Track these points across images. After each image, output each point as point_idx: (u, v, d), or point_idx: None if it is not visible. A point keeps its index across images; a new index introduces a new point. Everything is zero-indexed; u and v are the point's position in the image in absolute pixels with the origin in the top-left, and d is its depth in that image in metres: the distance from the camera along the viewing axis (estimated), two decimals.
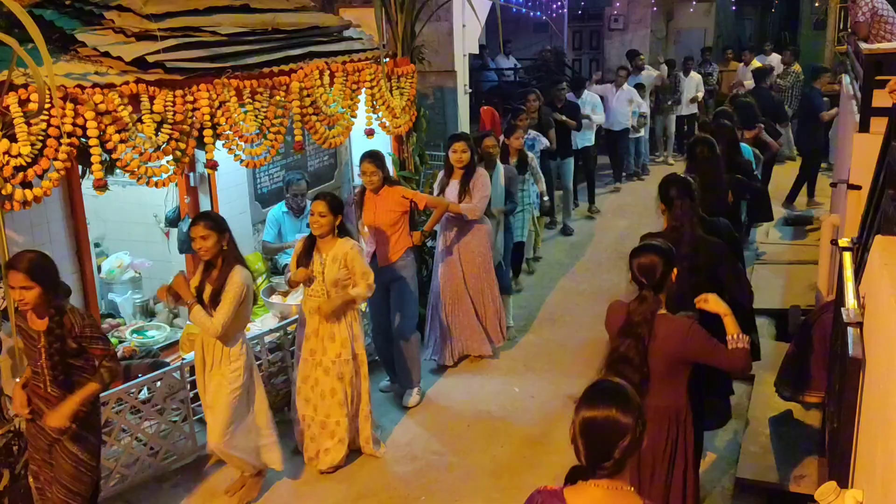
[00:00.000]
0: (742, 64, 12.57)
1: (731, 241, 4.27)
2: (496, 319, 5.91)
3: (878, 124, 4.30)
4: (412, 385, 5.35)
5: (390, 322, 5.26)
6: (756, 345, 4.29)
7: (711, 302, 3.16)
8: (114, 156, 3.71)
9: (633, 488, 2.07)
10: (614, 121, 10.36)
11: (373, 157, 5.07)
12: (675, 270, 3.13)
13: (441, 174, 5.77)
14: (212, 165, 4.27)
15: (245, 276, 3.94)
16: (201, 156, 4.34)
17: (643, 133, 11.18)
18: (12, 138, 3.35)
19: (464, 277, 5.74)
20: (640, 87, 10.93)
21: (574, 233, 8.86)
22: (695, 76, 11.97)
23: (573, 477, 2.09)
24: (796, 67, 12.24)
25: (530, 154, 7.05)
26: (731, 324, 3.08)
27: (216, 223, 3.92)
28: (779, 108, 9.83)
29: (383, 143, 6.00)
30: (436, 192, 5.65)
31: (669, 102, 11.91)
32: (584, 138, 9.35)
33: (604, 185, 10.74)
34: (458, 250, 5.72)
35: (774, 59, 13.05)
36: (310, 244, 4.43)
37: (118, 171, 3.87)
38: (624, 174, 11.16)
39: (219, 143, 4.27)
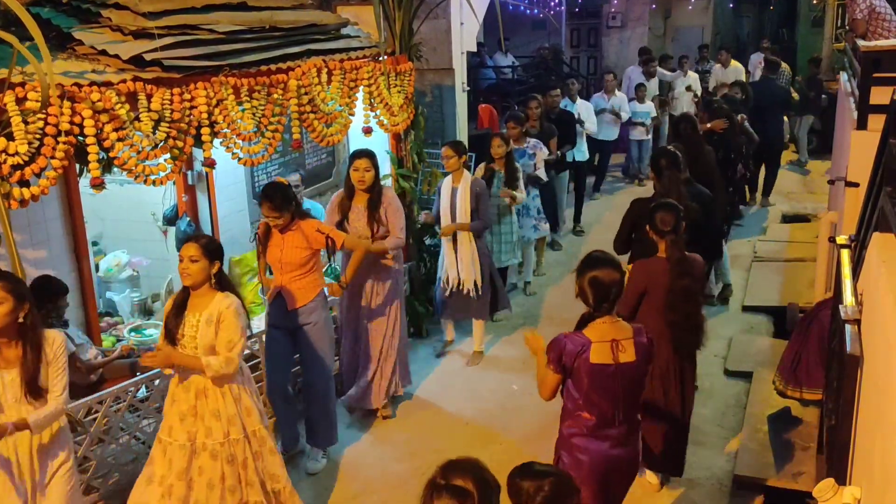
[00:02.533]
0: (719, 65, 12.07)
1: (707, 209, 5.01)
2: (388, 377, 5.08)
3: (876, 121, 4.30)
4: (321, 445, 4.63)
5: (287, 379, 4.58)
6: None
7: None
8: (111, 154, 3.71)
9: (621, 319, 3.09)
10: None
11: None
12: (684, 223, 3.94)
13: (338, 194, 5.08)
14: (209, 164, 4.27)
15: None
16: (199, 154, 4.33)
17: (649, 136, 10.75)
18: (9, 137, 3.34)
19: (367, 320, 5.03)
20: (641, 87, 10.65)
21: (562, 248, 8.30)
22: (691, 75, 11.74)
23: (582, 323, 3.06)
24: (784, 67, 12.26)
25: (517, 165, 6.40)
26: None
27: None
28: (788, 99, 9.73)
29: (381, 141, 5.99)
30: (334, 218, 4.95)
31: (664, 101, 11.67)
32: (580, 152, 8.68)
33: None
34: (364, 286, 4.98)
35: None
36: (182, 298, 3.57)
37: (116, 169, 3.86)
38: (626, 178, 11.02)
39: (216, 142, 4.26)
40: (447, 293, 5.76)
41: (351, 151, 5.00)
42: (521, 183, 6.28)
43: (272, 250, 4.42)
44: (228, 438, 3.59)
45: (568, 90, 8.81)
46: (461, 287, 5.66)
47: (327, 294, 4.66)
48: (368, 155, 4.85)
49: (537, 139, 7.09)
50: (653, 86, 11.17)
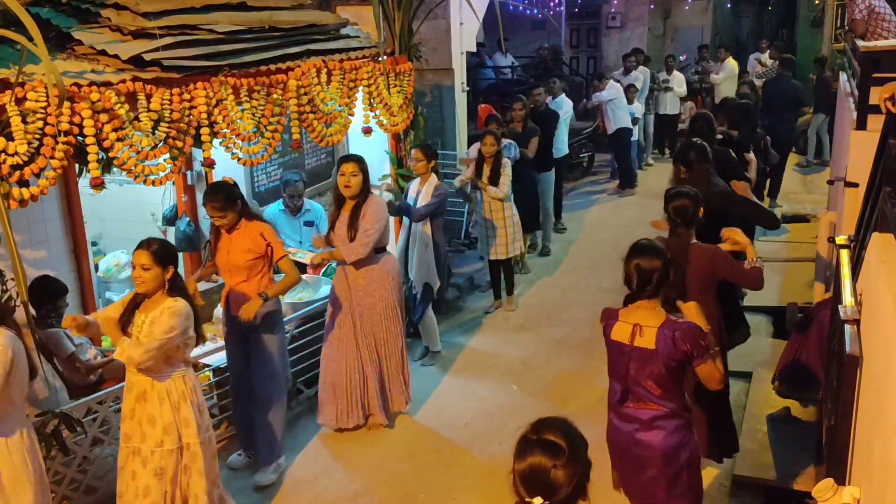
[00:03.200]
0: (718, 63, 12.06)
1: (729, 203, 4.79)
2: (400, 378, 4.98)
3: (876, 122, 4.30)
4: (269, 460, 4.45)
5: (244, 384, 4.45)
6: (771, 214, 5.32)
7: (736, 234, 3.89)
8: (111, 154, 3.70)
9: (660, 307, 3.16)
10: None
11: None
12: (701, 209, 3.90)
13: (330, 208, 4.94)
14: (209, 164, 4.27)
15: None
16: (198, 154, 4.33)
17: (635, 136, 10.60)
18: (9, 137, 3.34)
19: (356, 332, 4.79)
20: (632, 87, 10.56)
21: (550, 253, 8.12)
22: (677, 75, 11.69)
23: (625, 302, 3.21)
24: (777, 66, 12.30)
25: (505, 159, 6.49)
26: (750, 251, 3.88)
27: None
28: (800, 97, 9.55)
29: (381, 142, 6.00)
30: (328, 233, 4.83)
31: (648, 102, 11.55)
32: (561, 147, 8.65)
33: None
34: (350, 296, 4.76)
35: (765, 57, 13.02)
36: (135, 301, 3.54)
37: (115, 169, 3.86)
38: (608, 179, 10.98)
39: (216, 142, 4.26)
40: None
41: (343, 154, 4.91)
42: (508, 180, 6.39)
43: (220, 252, 4.29)
44: (161, 448, 3.48)
45: (551, 90, 8.82)
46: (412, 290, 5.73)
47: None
48: (356, 160, 4.64)
49: (517, 139, 7.23)
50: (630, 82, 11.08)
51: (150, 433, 3.48)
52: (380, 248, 4.75)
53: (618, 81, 10.46)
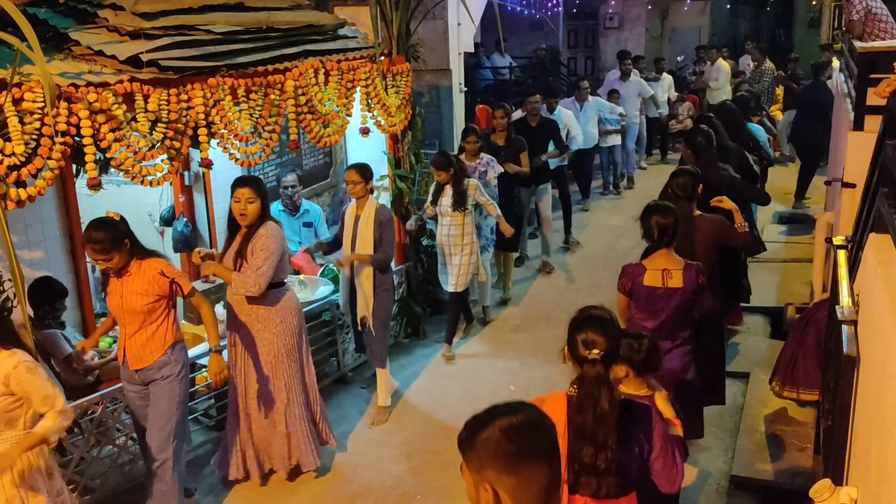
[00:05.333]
0: (709, 64, 11.82)
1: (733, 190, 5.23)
2: (316, 419, 4.45)
3: (873, 122, 4.31)
4: None
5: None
6: (757, 237, 6.10)
7: (725, 201, 4.55)
8: (108, 155, 3.70)
9: (675, 254, 3.83)
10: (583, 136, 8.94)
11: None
12: (700, 186, 4.50)
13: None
14: (206, 164, 4.27)
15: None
16: (196, 155, 4.32)
17: (619, 141, 10.11)
18: (6, 137, 3.34)
19: (252, 376, 4.26)
20: (615, 93, 10.13)
21: (554, 270, 7.63)
22: (667, 77, 11.50)
23: (645, 255, 3.90)
24: (769, 65, 12.31)
25: (472, 181, 5.80)
26: (738, 217, 4.49)
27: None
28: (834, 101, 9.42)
29: (379, 142, 5.99)
30: (219, 260, 4.30)
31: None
32: (555, 159, 7.99)
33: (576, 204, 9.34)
34: (240, 341, 4.26)
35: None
36: None
37: (112, 170, 3.86)
38: (600, 190, 10.40)
39: (213, 142, 4.26)
40: (354, 329, 5.29)
41: (235, 178, 4.25)
42: (482, 198, 5.79)
43: (111, 298, 3.75)
44: None
45: (551, 106, 8.10)
46: (360, 325, 5.12)
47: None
48: (253, 184, 4.11)
49: (498, 153, 6.48)
50: (632, 89, 10.69)
51: None
52: (276, 283, 4.18)
53: (611, 92, 10.08)
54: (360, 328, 5.15)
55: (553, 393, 2.70)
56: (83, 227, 4.67)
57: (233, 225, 4.22)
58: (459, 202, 5.66)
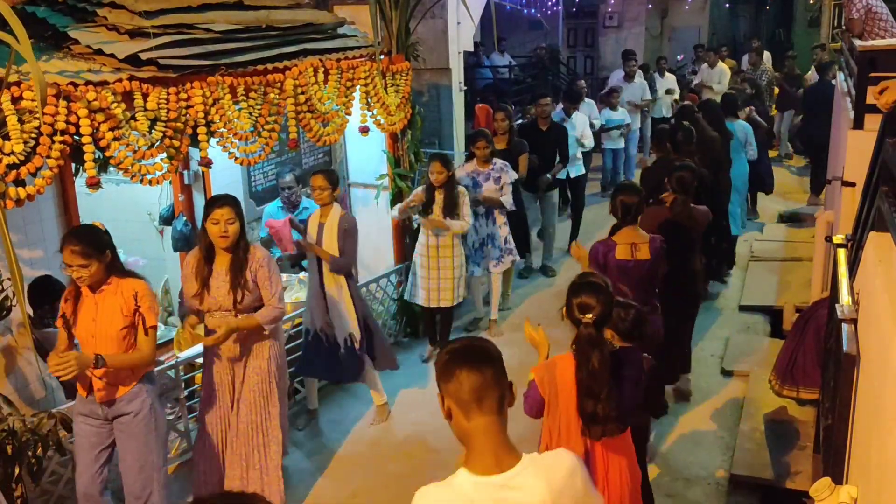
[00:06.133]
0: (706, 65, 11.76)
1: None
2: (274, 468, 4.11)
3: (872, 121, 4.31)
4: None
5: (99, 479, 3.60)
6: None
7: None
8: (107, 153, 3.70)
9: (640, 229, 4.20)
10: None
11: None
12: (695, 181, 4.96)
13: (192, 254, 4.03)
14: (206, 163, 4.26)
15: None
16: (195, 153, 4.32)
17: (622, 143, 9.93)
18: (5, 136, 3.33)
19: (235, 408, 4.02)
20: (614, 93, 9.90)
21: (556, 274, 7.61)
22: (669, 77, 11.38)
23: (612, 231, 4.29)
24: (766, 65, 12.31)
25: (460, 187, 5.58)
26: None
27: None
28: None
29: (378, 141, 5.99)
30: (192, 288, 3.94)
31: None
32: (577, 167, 8.05)
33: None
34: (232, 369, 3.99)
35: (765, 56, 13.02)
36: None
37: (112, 168, 3.85)
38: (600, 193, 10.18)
39: (213, 141, 4.25)
40: (312, 346, 4.87)
41: (209, 197, 3.95)
42: (467, 209, 5.54)
43: (83, 320, 3.40)
44: None
45: (567, 110, 8.05)
46: (328, 340, 4.82)
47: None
48: (230, 203, 3.83)
49: (505, 158, 6.23)
50: (636, 90, 10.62)
51: None
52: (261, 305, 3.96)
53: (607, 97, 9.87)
54: (314, 347, 4.81)
55: (561, 354, 3.06)
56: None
57: (209, 251, 3.86)
58: (451, 207, 5.48)
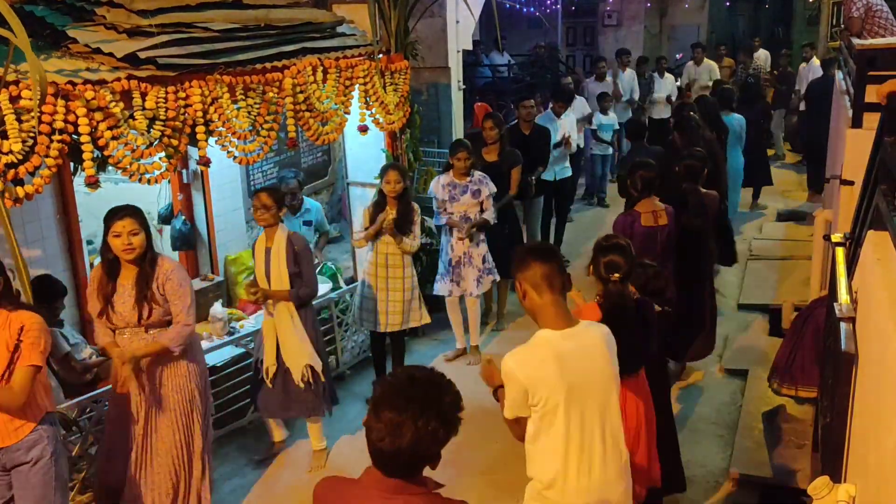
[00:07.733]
0: (691, 63, 11.69)
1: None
2: (196, 493, 3.84)
3: (871, 120, 4.31)
4: None
5: None
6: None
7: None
8: (106, 153, 3.69)
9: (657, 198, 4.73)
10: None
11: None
12: (706, 170, 5.38)
13: (96, 269, 3.73)
14: (204, 162, 4.26)
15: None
16: (194, 152, 4.32)
17: (610, 150, 9.77)
18: (3, 135, 3.33)
19: (152, 428, 3.74)
20: (605, 96, 9.76)
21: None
22: (669, 77, 11.26)
23: (630, 204, 4.81)
24: (760, 62, 12.37)
25: (414, 204, 5.17)
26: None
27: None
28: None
29: (377, 140, 5.99)
30: (96, 306, 3.70)
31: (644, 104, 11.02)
32: (562, 169, 7.61)
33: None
34: (146, 391, 3.71)
35: (762, 55, 13.00)
36: None
37: (110, 167, 3.85)
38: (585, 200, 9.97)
39: (211, 140, 4.25)
40: (265, 381, 4.44)
41: (109, 210, 3.64)
42: (417, 228, 5.12)
43: None
44: None
45: (556, 110, 7.74)
46: (281, 376, 4.43)
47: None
48: (131, 213, 3.57)
49: (495, 172, 5.87)
50: (626, 83, 10.59)
51: None
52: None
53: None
54: (270, 382, 4.42)
55: (588, 303, 3.48)
56: (80, 225, 4.68)
57: (111, 265, 3.62)
58: (404, 223, 5.03)
